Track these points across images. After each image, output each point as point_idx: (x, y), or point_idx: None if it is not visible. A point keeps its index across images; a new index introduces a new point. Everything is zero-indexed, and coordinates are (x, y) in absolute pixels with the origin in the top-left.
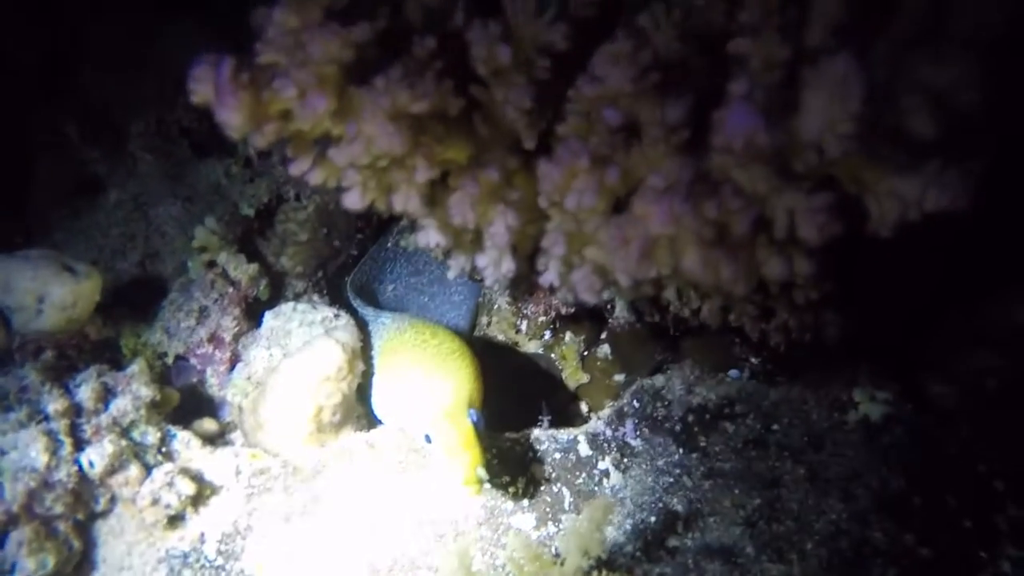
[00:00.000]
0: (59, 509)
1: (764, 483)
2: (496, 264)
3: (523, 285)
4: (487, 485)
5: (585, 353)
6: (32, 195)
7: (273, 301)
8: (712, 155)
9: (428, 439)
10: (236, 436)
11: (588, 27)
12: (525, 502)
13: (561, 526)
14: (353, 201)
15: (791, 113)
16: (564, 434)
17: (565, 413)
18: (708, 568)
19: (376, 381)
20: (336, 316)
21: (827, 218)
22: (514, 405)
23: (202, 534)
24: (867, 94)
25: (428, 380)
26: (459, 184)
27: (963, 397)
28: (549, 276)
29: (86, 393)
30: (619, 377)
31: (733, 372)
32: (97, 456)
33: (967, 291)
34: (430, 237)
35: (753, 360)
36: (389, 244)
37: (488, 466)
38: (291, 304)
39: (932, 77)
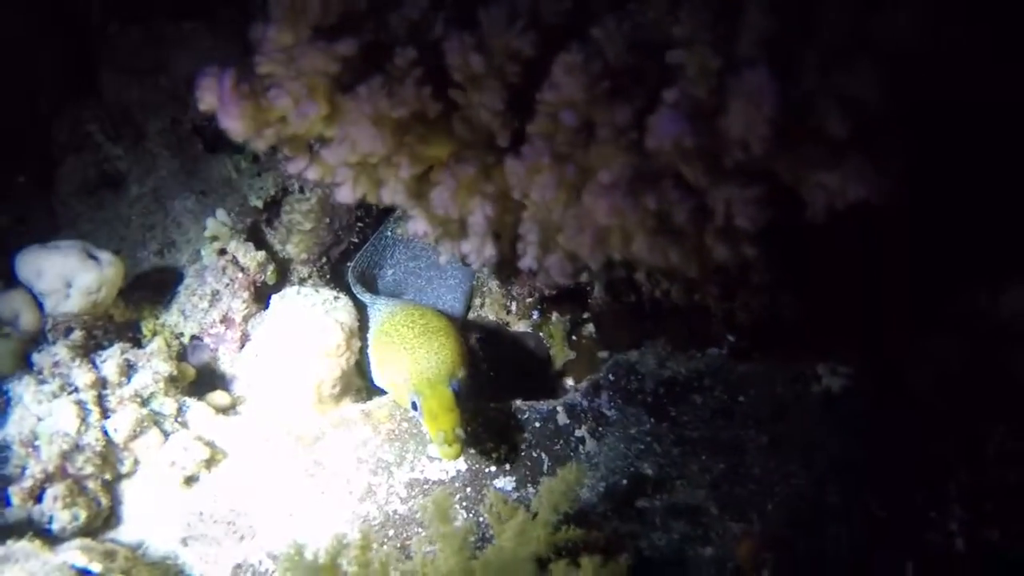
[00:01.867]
0: (89, 469)
1: (729, 450)
2: (479, 250)
3: (508, 269)
4: (471, 451)
5: (571, 331)
6: (58, 188)
7: (280, 285)
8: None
9: (414, 406)
10: (246, 408)
11: (556, 33)
12: (507, 466)
13: (539, 487)
14: (345, 195)
15: (722, 114)
16: (544, 405)
17: (552, 387)
18: (674, 526)
19: (373, 357)
20: (336, 298)
21: (758, 208)
22: (506, 379)
23: (215, 493)
24: (780, 101)
25: (415, 354)
26: (440, 179)
27: (930, 375)
28: (527, 261)
29: (111, 367)
30: (603, 354)
31: (712, 350)
32: (121, 422)
33: (938, 280)
34: (418, 226)
35: (730, 338)
36: (388, 232)
37: (465, 428)
38: (295, 288)
39: (844, 82)
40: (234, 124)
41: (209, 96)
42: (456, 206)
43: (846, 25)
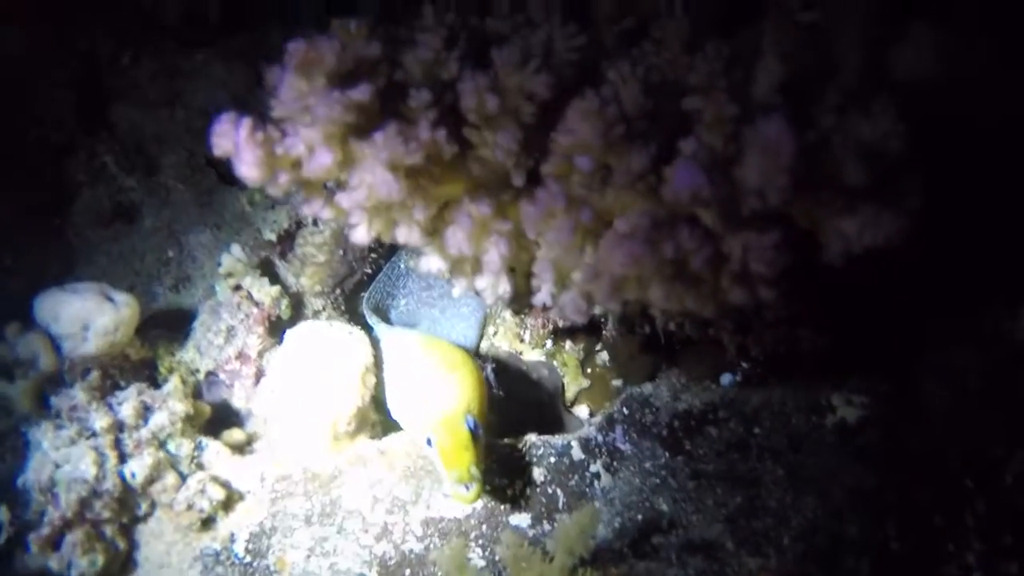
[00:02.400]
0: (106, 515)
1: (745, 483)
2: (493, 287)
3: (522, 302)
4: (487, 487)
5: (584, 360)
6: (74, 221)
7: (295, 318)
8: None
9: (429, 443)
10: (262, 445)
11: (571, 71)
12: (522, 503)
13: (555, 524)
14: (360, 236)
15: (738, 164)
16: (558, 440)
17: (564, 417)
18: (690, 562)
19: (388, 392)
20: (350, 333)
21: (775, 254)
22: (518, 410)
23: (232, 534)
24: (797, 151)
25: (430, 390)
26: (454, 218)
27: (948, 396)
28: (541, 297)
29: (127, 410)
30: (617, 383)
31: (726, 377)
32: (138, 468)
33: (956, 301)
34: (431, 264)
35: (744, 365)
36: (400, 263)
37: (482, 468)
38: (310, 322)
39: (862, 130)
40: (249, 171)
41: (225, 143)
42: (471, 245)
43: (863, 63)
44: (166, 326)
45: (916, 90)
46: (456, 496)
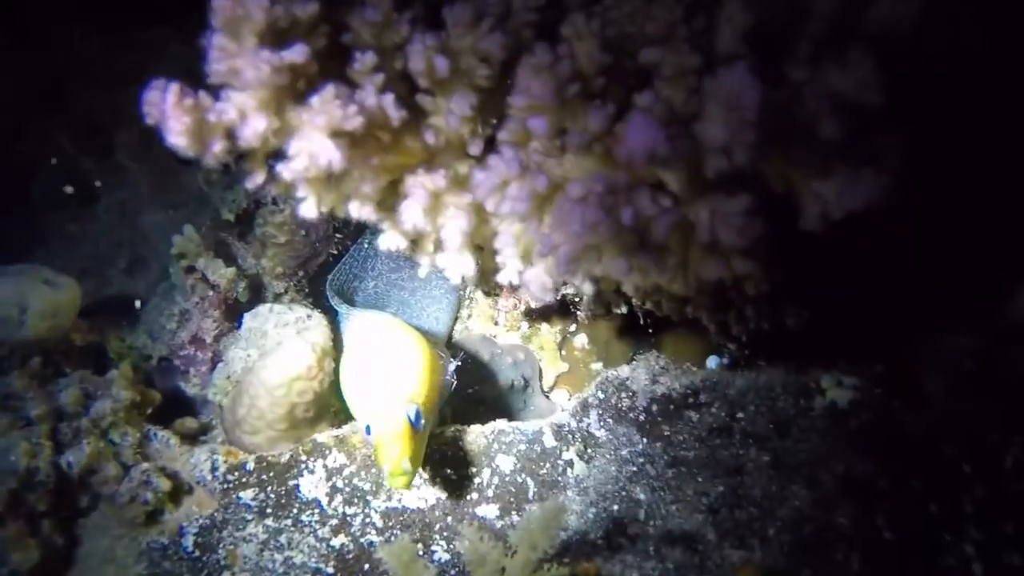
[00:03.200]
0: (42, 507)
1: (728, 470)
2: (456, 265)
3: (492, 281)
4: (452, 476)
5: (562, 343)
6: (31, 205)
7: (254, 302)
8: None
9: (368, 431)
10: (218, 433)
11: (531, 36)
12: (490, 492)
13: (523, 516)
14: (308, 210)
15: (700, 119)
16: (529, 426)
17: (544, 402)
18: (669, 555)
19: (341, 376)
20: (308, 317)
21: (746, 220)
22: (492, 396)
23: (181, 527)
24: (762, 102)
25: (372, 378)
26: (407, 191)
27: (943, 378)
28: (507, 275)
29: (67, 398)
30: (596, 366)
31: (712, 360)
32: (76, 458)
33: (951, 280)
34: (390, 241)
35: (730, 347)
36: (366, 243)
37: (418, 460)
38: (268, 306)
39: (837, 81)
40: (177, 139)
41: (154, 110)
42: (426, 219)
43: (836, 10)
44: (118, 311)
45: (895, 42)
46: (390, 484)
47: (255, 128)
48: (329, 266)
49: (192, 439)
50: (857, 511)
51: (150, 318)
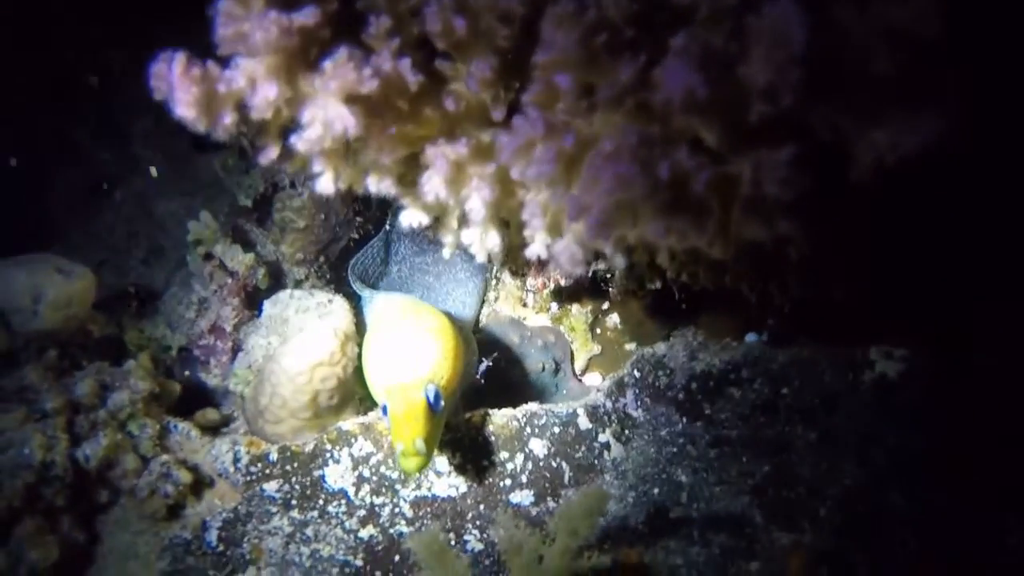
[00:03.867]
0: (60, 502)
1: (773, 449)
2: (481, 240)
3: (519, 259)
4: (484, 463)
5: (594, 323)
6: (49, 199)
7: (275, 289)
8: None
9: (384, 411)
10: (240, 424)
11: None
12: (523, 478)
13: (561, 501)
14: (325, 186)
15: (742, 62)
16: (562, 408)
17: (576, 385)
18: (714, 539)
19: (363, 358)
20: (330, 301)
21: (790, 172)
22: (520, 379)
23: (204, 522)
24: (809, 35)
25: (391, 355)
26: (429, 160)
27: (1002, 347)
28: (535, 249)
29: (84, 389)
30: (631, 346)
31: (751, 336)
32: (92, 450)
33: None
34: (412, 217)
35: (770, 321)
36: (389, 226)
37: (433, 443)
38: (288, 292)
39: (890, 11)
40: (186, 111)
41: (161, 83)
42: (449, 191)
43: None
44: (136, 300)
45: None
46: (401, 466)
47: (266, 96)
48: (351, 251)
49: (214, 431)
50: (913, 488)
51: (168, 307)
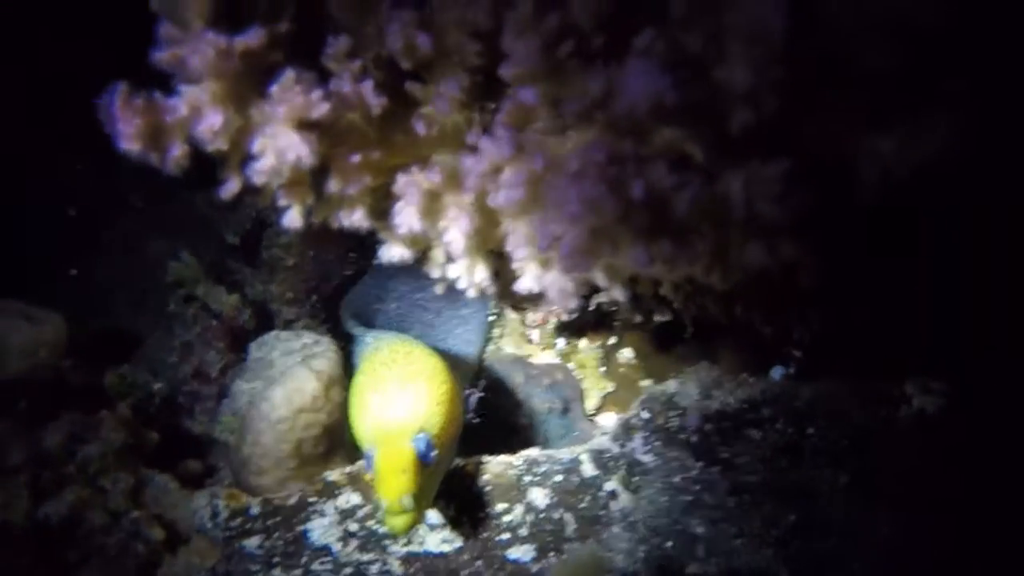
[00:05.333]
0: (21, 564)
1: (799, 496)
2: (468, 274)
3: (513, 293)
4: (480, 515)
5: (605, 359)
6: (29, 240)
7: (265, 330)
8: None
9: (369, 462)
10: (226, 475)
11: None
12: (523, 531)
13: (564, 556)
14: (292, 220)
15: (720, 64)
16: (565, 453)
17: (586, 426)
18: None
19: (350, 402)
20: (316, 342)
21: (785, 188)
22: (528, 423)
23: None
24: (789, 31)
25: (378, 400)
26: (399, 191)
27: None
28: (525, 282)
29: (52, 441)
30: (647, 382)
31: (776, 370)
32: (54, 508)
33: None
34: (392, 252)
35: (796, 353)
36: (375, 261)
37: (424, 497)
38: (274, 333)
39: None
40: (128, 143)
41: (104, 116)
42: (424, 223)
43: None
44: (118, 346)
45: None
46: (387, 525)
47: (211, 125)
48: (345, 289)
49: (197, 482)
50: (957, 540)
51: (151, 352)
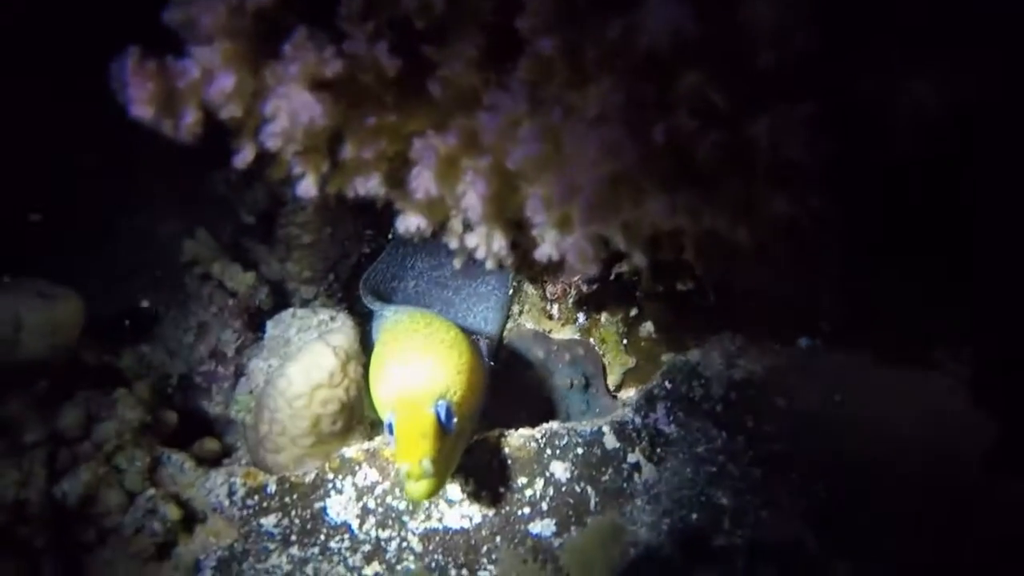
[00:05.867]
0: (39, 543)
1: (828, 465)
2: (487, 242)
3: (533, 263)
4: (500, 489)
5: (626, 333)
6: (57, 227)
7: (282, 309)
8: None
9: (390, 429)
10: (243, 454)
11: None
12: (544, 505)
13: (586, 530)
14: (306, 188)
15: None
16: (586, 426)
17: (608, 402)
18: (762, 570)
19: (369, 376)
20: (332, 319)
21: (813, 132)
22: (549, 398)
23: (198, 561)
24: None
25: (398, 368)
26: (416, 155)
27: None
28: (545, 249)
29: (68, 420)
30: (668, 356)
31: (803, 340)
32: (70, 486)
33: None
34: (408, 221)
35: (822, 324)
36: (390, 235)
37: (445, 464)
38: (290, 311)
39: None
40: (140, 110)
41: (116, 82)
42: (441, 187)
43: None
44: (136, 326)
45: None
46: (406, 491)
47: (222, 87)
48: (363, 267)
49: (214, 462)
50: (996, 511)
51: (167, 333)
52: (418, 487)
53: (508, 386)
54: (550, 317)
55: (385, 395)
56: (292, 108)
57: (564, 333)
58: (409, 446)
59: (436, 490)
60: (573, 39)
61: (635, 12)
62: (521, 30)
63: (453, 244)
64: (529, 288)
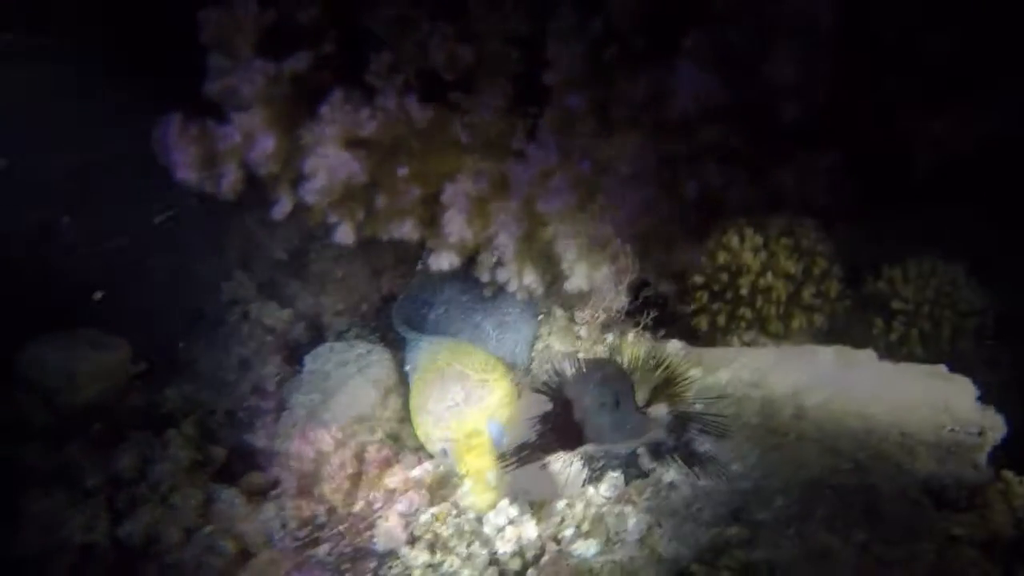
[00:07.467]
0: None
1: (863, 480)
2: (518, 278)
3: (562, 291)
4: (556, 517)
5: (653, 353)
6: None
7: (317, 342)
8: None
9: (445, 453)
10: (289, 486)
11: None
12: (585, 526)
13: (628, 549)
14: (343, 236)
15: (766, 59)
16: (621, 448)
17: (639, 419)
18: None
19: (412, 406)
20: (369, 352)
21: (836, 179)
22: (579, 419)
23: None
24: (837, 21)
25: (448, 395)
26: (448, 200)
27: None
28: (576, 282)
29: (124, 463)
30: (695, 371)
31: (826, 352)
32: (133, 527)
33: None
34: (441, 260)
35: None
36: (420, 265)
37: (499, 476)
38: (328, 345)
39: None
40: (185, 173)
41: (160, 147)
42: (472, 229)
43: None
44: (179, 366)
45: None
46: (473, 504)
47: (263, 149)
48: (394, 297)
49: (261, 495)
50: None
51: (209, 370)
52: (484, 498)
53: (538, 406)
54: (579, 338)
55: (439, 422)
56: (331, 166)
57: (593, 353)
58: (472, 463)
59: (497, 502)
60: (601, 96)
61: (658, 69)
62: (549, 85)
63: (484, 278)
64: (557, 310)
